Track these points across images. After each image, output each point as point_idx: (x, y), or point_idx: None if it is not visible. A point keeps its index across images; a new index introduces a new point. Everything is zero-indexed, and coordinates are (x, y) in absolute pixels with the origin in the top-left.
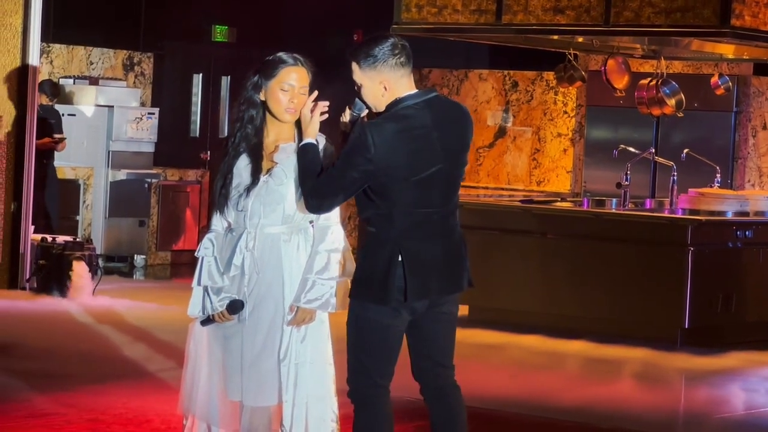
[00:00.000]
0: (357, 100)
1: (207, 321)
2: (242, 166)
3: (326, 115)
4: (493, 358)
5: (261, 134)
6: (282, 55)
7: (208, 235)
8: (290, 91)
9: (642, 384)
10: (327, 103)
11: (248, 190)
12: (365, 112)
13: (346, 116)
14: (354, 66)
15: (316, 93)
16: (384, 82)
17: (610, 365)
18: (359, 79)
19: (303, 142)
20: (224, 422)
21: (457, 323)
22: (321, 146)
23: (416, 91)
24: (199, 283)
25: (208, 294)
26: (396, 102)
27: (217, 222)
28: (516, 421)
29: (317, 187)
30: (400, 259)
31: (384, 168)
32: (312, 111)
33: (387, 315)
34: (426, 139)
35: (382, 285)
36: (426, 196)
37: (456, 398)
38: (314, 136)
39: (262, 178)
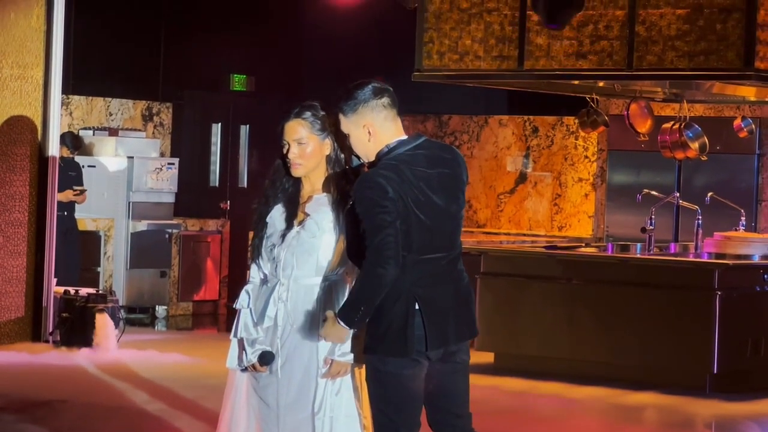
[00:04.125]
0: (353, 157)
1: (244, 372)
2: (277, 215)
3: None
4: (520, 406)
5: (297, 185)
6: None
7: (246, 287)
8: (286, 148)
9: (662, 430)
10: None
11: (281, 239)
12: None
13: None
14: (340, 116)
15: None
16: (368, 126)
17: (638, 412)
18: (345, 128)
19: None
20: None
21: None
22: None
23: (405, 137)
24: (235, 335)
25: (244, 346)
26: (388, 150)
27: (255, 273)
28: None
29: (373, 257)
30: (417, 308)
31: (401, 207)
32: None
33: (407, 366)
34: (426, 180)
35: (401, 337)
36: (433, 240)
37: None
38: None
39: (295, 228)
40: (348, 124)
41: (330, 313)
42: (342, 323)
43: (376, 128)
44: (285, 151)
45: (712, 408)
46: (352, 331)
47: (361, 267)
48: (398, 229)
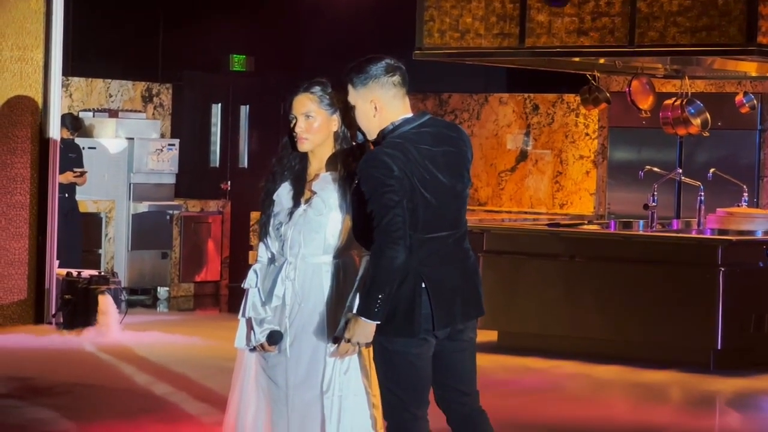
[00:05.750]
0: (357, 132)
1: (252, 352)
2: (284, 193)
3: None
4: (523, 383)
5: (304, 162)
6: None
7: (253, 266)
8: (294, 122)
9: (675, 407)
10: None
11: (288, 217)
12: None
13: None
14: (348, 86)
15: None
16: (375, 101)
17: (641, 389)
18: (353, 99)
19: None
20: None
21: (476, 348)
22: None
23: (411, 115)
24: (243, 315)
25: (252, 325)
26: (393, 128)
27: (263, 252)
28: None
29: (381, 239)
30: (423, 287)
31: (407, 186)
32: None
33: (414, 345)
34: (431, 159)
35: (408, 317)
36: (439, 219)
37: (483, 423)
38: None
39: (302, 206)
40: (356, 96)
41: (350, 315)
42: (365, 319)
43: (383, 105)
44: (292, 126)
45: (716, 384)
46: (375, 324)
47: (369, 249)
48: (405, 208)
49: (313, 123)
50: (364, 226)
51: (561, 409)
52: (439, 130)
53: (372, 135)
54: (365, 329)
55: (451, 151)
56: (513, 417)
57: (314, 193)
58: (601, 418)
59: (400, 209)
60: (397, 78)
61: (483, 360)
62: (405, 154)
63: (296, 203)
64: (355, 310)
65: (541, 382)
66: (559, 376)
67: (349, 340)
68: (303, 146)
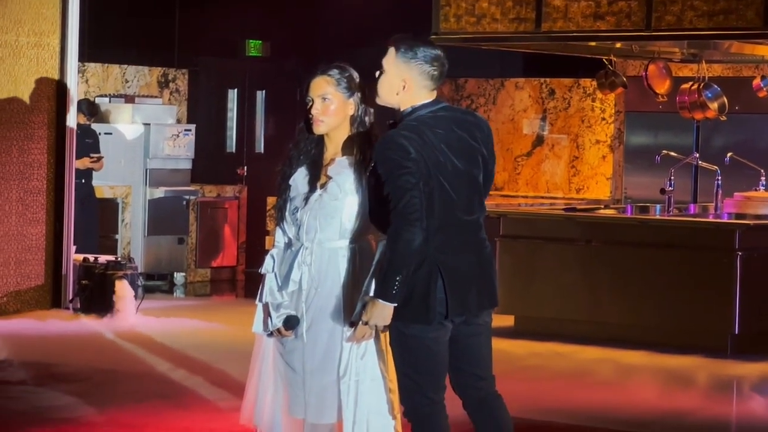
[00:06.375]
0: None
1: (270, 336)
2: (300, 178)
3: None
4: (540, 368)
5: (320, 146)
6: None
7: (271, 251)
8: (310, 104)
9: (692, 392)
10: None
11: (304, 202)
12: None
13: None
14: (391, 51)
15: None
16: (406, 81)
17: (658, 374)
18: (387, 65)
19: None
20: None
21: (492, 332)
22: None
23: (429, 101)
24: (260, 300)
25: (269, 311)
26: (411, 111)
27: (280, 237)
28: None
29: (398, 221)
30: (439, 273)
31: (423, 169)
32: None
33: (431, 329)
34: (447, 143)
35: (423, 304)
36: (455, 205)
37: (500, 408)
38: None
39: (317, 191)
40: (392, 65)
41: (367, 298)
42: (383, 301)
43: (411, 87)
44: (308, 107)
45: (734, 369)
46: (393, 307)
47: (383, 231)
48: (422, 190)
49: (330, 105)
50: (379, 209)
51: (570, 392)
52: (456, 114)
53: (382, 102)
54: (383, 312)
55: (468, 137)
56: (542, 401)
57: (330, 178)
58: (628, 404)
59: (417, 191)
60: (437, 72)
61: (504, 345)
62: (421, 137)
63: (312, 188)
64: (372, 293)
65: (552, 366)
66: (583, 362)
67: (366, 323)
68: (318, 128)
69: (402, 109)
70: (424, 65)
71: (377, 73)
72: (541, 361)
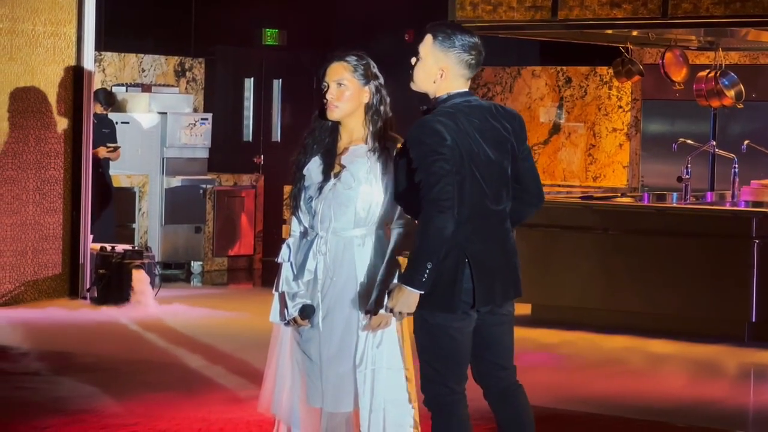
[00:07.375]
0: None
1: (287, 326)
2: (314, 167)
3: None
4: (557, 357)
5: (334, 135)
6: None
7: (287, 241)
8: (326, 89)
9: (710, 380)
10: None
11: (318, 191)
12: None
13: None
14: (428, 38)
15: None
16: (444, 70)
17: (675, 362)
18: (424, 52)
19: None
20: (305, 427)
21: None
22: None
23: (464, 90)
24: (277, 289)
25: (286, 300)
26: (447, 98)
27: (296, 226)
28: (585, 422)
29: (431, 208)
30: (467, 262)
31: (457, 157)
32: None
33: (455, 319)
34: (481, 132)
35: (449, 292)
36: (484, 195)
37: (521, 398)
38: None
39: (332, 180)
40: (430, 52)
41: (394, 284)
42: (410, 288)
43: (449, 75)
44: (324, 92)
45: (751, 356)
46: (419, 294)
47: (408, 212)
48: (455, 178)
49: (345, 91)
50: (408, 192)
51: (589, 381)
52: (490, 105)
53: (417, 89)
54: (408, 298)
55: (501, 127)
56: (562, 391)
57: (343, 167)
58: (626, 389)
59: (451, 178)
60: (474, 61)
61: (525, 333)
62: (457, 124)
63: (326, 177)
64: (396, 279)
65: (569, 354)
66: (588, 349)
67: (391, 310)
68: (332, 114)
69: (437, 96)
70: (462, 54)
71: (413, 60)
72: (557, 349)
